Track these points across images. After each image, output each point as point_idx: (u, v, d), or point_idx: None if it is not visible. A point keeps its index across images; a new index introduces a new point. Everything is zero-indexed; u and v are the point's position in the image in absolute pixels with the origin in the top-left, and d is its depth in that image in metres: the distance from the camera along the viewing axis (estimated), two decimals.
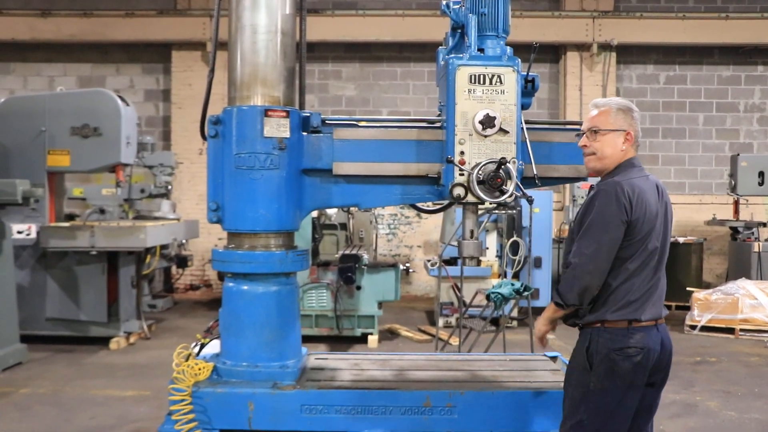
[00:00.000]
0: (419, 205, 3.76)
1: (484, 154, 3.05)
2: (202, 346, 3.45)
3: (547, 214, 8.97)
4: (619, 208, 2.72)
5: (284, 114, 3.26)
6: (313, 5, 11.47)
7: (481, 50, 3.16)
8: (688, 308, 8.63)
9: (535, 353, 4.28)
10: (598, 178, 2.94)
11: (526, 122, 3.18)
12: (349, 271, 7.45)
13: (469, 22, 3.15)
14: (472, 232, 3.17)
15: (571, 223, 9.69)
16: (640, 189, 2.77)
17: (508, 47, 3.25)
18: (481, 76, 3.05)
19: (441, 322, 8.32)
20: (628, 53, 11.85)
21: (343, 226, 9.40)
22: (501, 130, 3.05)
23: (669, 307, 9.80)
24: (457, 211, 6.87)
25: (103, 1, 11.78)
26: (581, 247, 2.77)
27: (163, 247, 8.90)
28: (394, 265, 7.75)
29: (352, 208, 8.98)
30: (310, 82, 11.89)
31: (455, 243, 3.85)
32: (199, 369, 3.21)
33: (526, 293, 5.83)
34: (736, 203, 10.02)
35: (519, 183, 3.07)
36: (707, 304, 8.18)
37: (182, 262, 9.89)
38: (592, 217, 2.76)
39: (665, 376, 2.90)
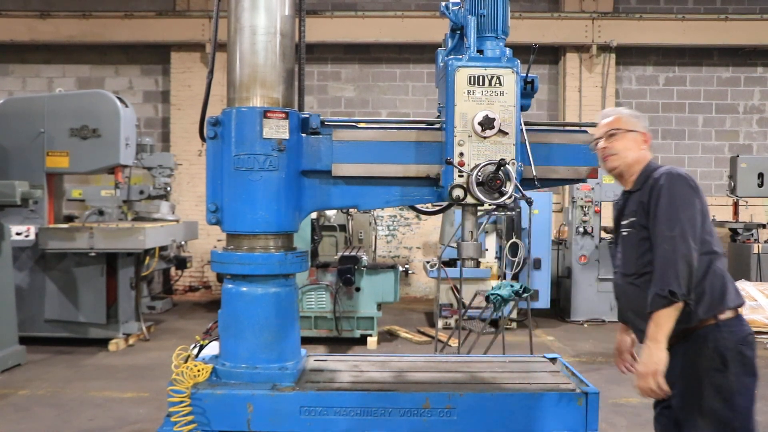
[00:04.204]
0: (418, 206, 3.75)
1: (484, 155, 3.05)
2: (201, 347, 3.44)
3: (547, 215, 8.98)
4: (690, 187, 2.74)
5: (283, 115, 3.25)
6: (312, 6, 11.48)
7: (480, 51, 3.15)
8: None
9: (534, 355, 4.27)
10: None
11: (526, 124, 3.17)
12: (348, 272, 7.45)
13: (468, 24, 3.14)
14: (471, 233, 3.16)
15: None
16: None
17: (508, 48, 3.25)
18: (481, 78, 3.04)
19: (440, 323, 8.32)
20: (628, 54, 11.86)
21: (343, 228, 9.40)
22: (500, 131, 3.04)
23: None
24: (457, 212, 6.88)
25: (102, 2, 11.79)
26: (664, 233, 2.68)
27: (162, 248, 8.91)
28: (393, 267, 7.75)
29: (351, 210, 8.98)
30: (310, 83, 11.89)
31: (454, 244, 3.85)
32: (198, 370, 3.20)
33: (525, 295, 5.84)
34: (736, 205, 10.03)
35: (518, 184, 3.05)
36: None
37: (181, 263, 9.88)
38: (663, 201, 2.72)
39: None
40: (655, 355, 2.63)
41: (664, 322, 2.62)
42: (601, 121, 3.06)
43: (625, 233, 2.94)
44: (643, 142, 2.98)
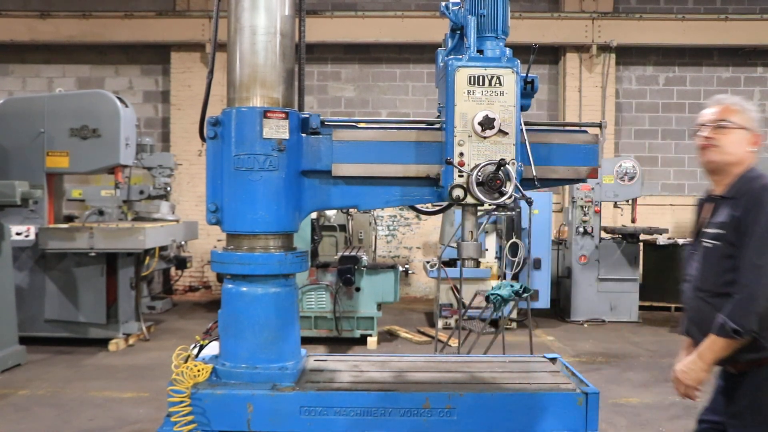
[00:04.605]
0: (418, 206, 3.74)
1: (484, 155, 3.05)
2: (201, 347, 3.44)
3: (547, 215, 8.98)
4: None
5: (283, 115, 3.25)
6: (312, 6, 11.48)
7: (480, 51, 3.15)
8: None
9: (534, 355, 4.27)
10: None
11: (526, 124, 3.17)
12: (348, 272, 7.45)
13: (468, 24, 3.14)
14: (471, 233, 3.16)
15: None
16: None
17: (508, 48, 3.25)
18: (481, 78, 3.04)
19: (440, 323, 8.32)
20: (628, 54, 11.86)
21: (343, 228, 9.40)
22: (500, 131, 3.04)
23: (669, 309, 9.81)
24: (457, 212, 6.88)
25: (102, 2, 11.79)
26: (752, 259, 2.46)
27: (162, 248, 8.91)
28: (393, 267, 7.75)
29: (351, 210, 8.98)
30: (310, 83, 11.89)
31: (454, 244, 3.84)
32: (198, 370, 3.19)
33: (525, 295, 5.84)
34: None
35: (518, 184, 3.05)
36: None
37: (181, 263, 9.88)
38: (762, 223, 2.48)
39: None
40: (695, 371, 2.61)
41: (719, 349, 2.55)
42: (712, 107, 2.85)
43: (709, 245, 2.70)
44: (752, 144, 2.76)
